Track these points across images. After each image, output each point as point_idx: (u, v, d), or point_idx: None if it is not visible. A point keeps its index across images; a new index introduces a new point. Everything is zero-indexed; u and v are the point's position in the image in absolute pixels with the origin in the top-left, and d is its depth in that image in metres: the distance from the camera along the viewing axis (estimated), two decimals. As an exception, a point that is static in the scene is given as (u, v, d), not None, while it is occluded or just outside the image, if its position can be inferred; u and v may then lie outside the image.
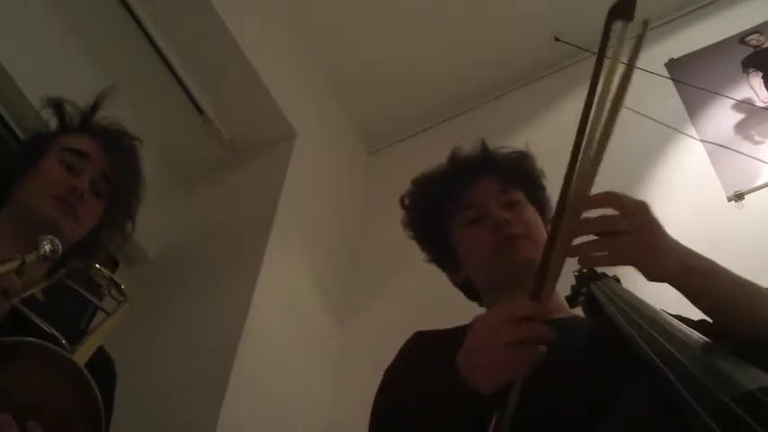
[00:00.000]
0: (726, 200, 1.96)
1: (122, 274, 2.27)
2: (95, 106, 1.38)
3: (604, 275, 1.16)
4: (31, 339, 0.92)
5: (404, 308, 2.26)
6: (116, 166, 1.31)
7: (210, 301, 2.03)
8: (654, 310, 0.94)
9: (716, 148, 2.11)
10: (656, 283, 0.90)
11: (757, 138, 2.09)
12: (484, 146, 1.30)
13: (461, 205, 1.19)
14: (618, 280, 1.16)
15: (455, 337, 0.96)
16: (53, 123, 1.40)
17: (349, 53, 2.83)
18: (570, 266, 1.05)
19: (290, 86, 2.57)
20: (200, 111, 2.41)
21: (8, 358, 0.88)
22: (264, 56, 2.45)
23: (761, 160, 2.01)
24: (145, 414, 1.77)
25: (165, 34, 2.31)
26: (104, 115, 1.39)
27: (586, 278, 1.16)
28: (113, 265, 2.24)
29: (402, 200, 1.33)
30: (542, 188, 1.28)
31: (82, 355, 0.97)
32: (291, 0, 2.67)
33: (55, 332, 1.01)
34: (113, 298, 1.23)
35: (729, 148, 2.08)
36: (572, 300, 1.16)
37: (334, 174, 2.70)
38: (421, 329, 1.13)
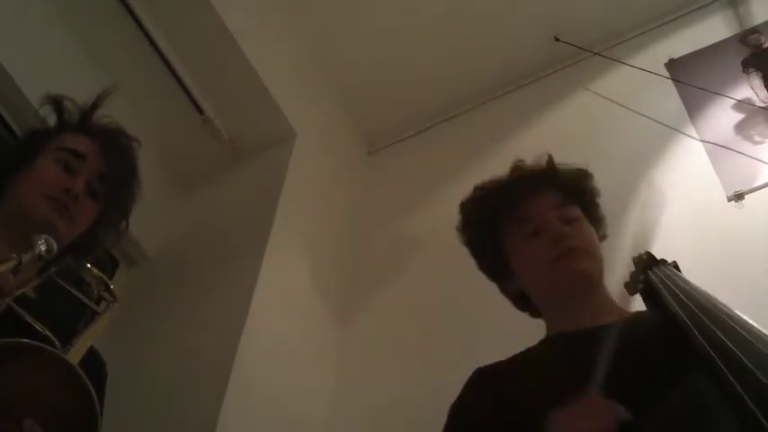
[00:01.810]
0: (726, 200, 1.96)
1: (122, 274, 2.27)
2: (95, 105, 1.37)
3: (664, 261, 1.17)
4: (25, 341, 0.91)
5: (404, 308, 2.26)
6: (112, 166, 1.30)
7: (210, 301, 2.03)
8: (712, 301, 0.94)
9: (716, 148, 2.11)
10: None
11: (757, 138, 2.09)
12: (550, 161, 1.32)
13: (521, 218, 1.22)
14: (677, 267, 1.18)
15: (514, 366, 1.08)
16: (52, 121, 1.40)
17: (349, 53, 2.83)
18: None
19: (290, 86, 2.57)
20: (200, 111, 2.41)
21: (2, 359, 0.88)
22: (264, 56, 2.45)
23: (761, 160, 2.01)
24: (145, 414, 1.77)
25: (165, 34, 2.31)
26: (104, 114, 1.38)
27: (644, 264, 1.17)
28: (113, 264, 2.25)
29: (462, 204, 1.34)
30: (597, 206, 1.32)
31: (74, 356, 0.96)
32: (291, 0, 2.67)
33: (48, 332, 1.00)
34: (103, 298, 1.22)
35: (729, 148, 2.08)
36: (631, 287, 1.18)
37: (334, 174, 2.70)
38: (480, 366, 1.14)
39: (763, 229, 1.85)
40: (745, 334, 0.81)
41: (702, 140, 2.16)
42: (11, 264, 0.97)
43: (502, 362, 1.13)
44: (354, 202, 2.73)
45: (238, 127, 2.48)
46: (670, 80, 2.40)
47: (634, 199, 2.12)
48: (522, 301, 1.27)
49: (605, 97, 2.46)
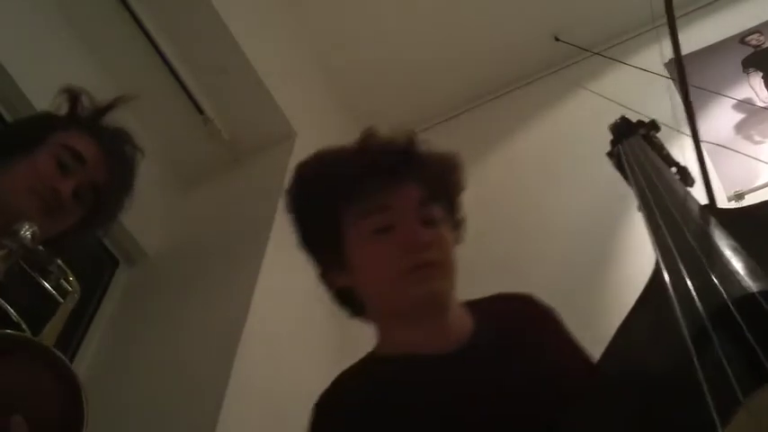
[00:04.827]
0: (726, 200, 1.97)
1: (122, 273, 2.27)
2: (109, 107, 1.33)
3: (640, 124, 1.10)
4: (20, 334, 0.90)
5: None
6: (109, 180, 1.26)
7: (210, 300, 2.03)
8: (670, 185, 0.90)
9: (716, 148, 2.11)
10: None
11: (757, 138, 2.09)
12: (411, 140, 1.07)
13: (373, 207, 0.98)
14: (655, 127, 1.11)
15: (377, 394, 0.89)
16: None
17: (349, 53, 2.83)
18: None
19: (290, 86, 2.56)
20: (200, 111, 2.41)
21: None
22: (264, 56, 2.45)
23: (761, 160, 2.01)
24: (144, 414, 1.77)
25: (165, 34, 2.31)
26: (112, 116, 1.35)
27: (620, 132, 1.11)
28: (113, 264, 2.25)
29: (299, 168, 1.13)
30: (460, 206, 1.09)
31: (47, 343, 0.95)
32: (292, 0, 2.67)
33: (21, 321, 0.98)
34: (63, 287, 1.18)
35: (729, 148, 2.08)
36: (611, 155, 1.14)
37: (334, 174, 2.70)
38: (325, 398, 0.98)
39: (764, 230, 1.85)
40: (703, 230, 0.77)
41: (702, 140, 2.16)
42: (3, 252, 0.96)
43: (351, 389, 0.98)
44: (354, 202, 2.73)
45: (238, 127, 2.48)
46: (670, 80, 2.40)
47: (635, 199, 2.12)
48: (348, 299, 1.08)
49: (605, 97, 2.46)
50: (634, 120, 1.34)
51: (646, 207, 0.86)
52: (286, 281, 2.18)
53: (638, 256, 1.97)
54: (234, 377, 1.77)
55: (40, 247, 1.05)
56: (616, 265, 1.99)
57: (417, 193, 0.99)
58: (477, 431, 0.81)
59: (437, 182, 1.03)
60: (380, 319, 1.04)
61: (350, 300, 1.08)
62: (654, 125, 1.12)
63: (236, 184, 2.47)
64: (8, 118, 2.00)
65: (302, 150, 2.48)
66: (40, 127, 1.30)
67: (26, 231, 1.00)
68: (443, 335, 0.94)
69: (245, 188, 2.42)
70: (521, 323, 0.98)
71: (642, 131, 1.13)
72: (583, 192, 2.25)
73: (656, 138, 1.13)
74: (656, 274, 0.76)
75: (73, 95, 1.33)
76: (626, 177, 1.07)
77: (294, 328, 2.12)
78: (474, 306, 1.01)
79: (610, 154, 1.14)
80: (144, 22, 2.25)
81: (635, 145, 1.07)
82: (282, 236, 2.21)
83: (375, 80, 2.89)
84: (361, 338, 2.47)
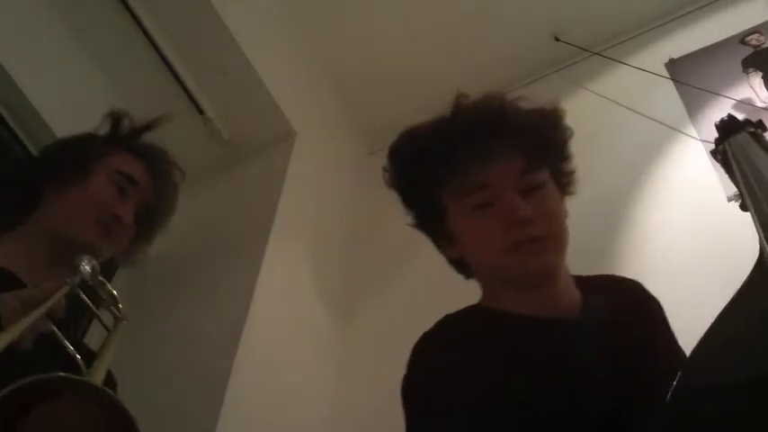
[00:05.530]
0: (726, 200, 1.96)
1: (122, 274, 2.27)
2: (148, 128, 1.38)
3: (747, 123, 1.10)
4: (60, 374, 0.86)
5: (405, 308, 2.26)
6: (160, 199, 1.32)
7: (210, 301, 2.03)
8: None
9: (716, 149, 2.11)
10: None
11: (757, 138, 2.09)
12: (504, 104, 1.04)
13: (471, 185, 0.97)
14: (762, 127, 1.08)
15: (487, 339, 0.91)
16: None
17: (349, 53, 2.83)
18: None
19: (290, 86, 2.56)
20: (200, 111, 2.41)
21: (44, 394, 0.83)
22: (264, 56, 2.45)
23: (761, 160, 2.01)
24: (144, 414, 1.77)
25: (165, 34, 2.31)
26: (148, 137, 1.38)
27: (726, 129, 1.11)
28: (113, 265, 2.25)
29: (393, 152, 1.08)
30: (568, 158, 1.06)
31: (96, 379, 0.94)
32: (292, 0, 2.67)
33: (76, 353, 0.95)
34: (113, 315, 1.19)
35: (729, 148, 2.08)
36: (716, 153, 1.14)
37: (334, 174, 2.70)
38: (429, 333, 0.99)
39: (763, 229, 1.85)
40: None
41: (702, 140, 2.16)
42: (65, 290, 0.95)
43: (456, 330, 0.97)
44: (354, 202, 2.73)
45: (238, 127, 2.48)
46: (670, 80, 2.40)
47: (634, 199, 2.12)
48: (464, 267, 1.07)
49: (605, 97, 2.46)
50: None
51: (754, 204, 0.85)
52: (286, 281, 2.18)
53: (637, 256, 1.97)
54: (234, 377, 1.77)
55: (101, 278, 1.07)
56: (612, 268, 1.99)
57: (515, 167, 0.97)
58: (563, 399, 0.82)
59: (537, 143, 1.00)
60: (488, 283, 1.04)
61: (464, 266, 1.08)
62: (761, 124, 1.11)
63: (236, 183, 2.47)
64: (8, 118, 2.00)
65: (302, 150, 2.49)
66: (88, 151, 1.32)
67: (86, 265, 1.01)
68: (551, 303, 0.95)
69: (245, 188, 2.42)
70: (628, 308, 0.99)
71: (750, 129, 1.12)
72: (582, 192, 2.24)
73: (764, 136, 1.12)
74: (758, 269, 0.76)
75: (116, 117, 1.36)
76: (731, 175, 1.06)
77: (294, 328, 2.12)
78: (583, 281, 1.02)
79: (715, 152, 1.14)
80: (144, 23, 2.25)
81: (742, 142, 1.06)
82: (282, 236, 2.22)
83: (375, 80, 2.89)
84: (362, 338, 2.48)
